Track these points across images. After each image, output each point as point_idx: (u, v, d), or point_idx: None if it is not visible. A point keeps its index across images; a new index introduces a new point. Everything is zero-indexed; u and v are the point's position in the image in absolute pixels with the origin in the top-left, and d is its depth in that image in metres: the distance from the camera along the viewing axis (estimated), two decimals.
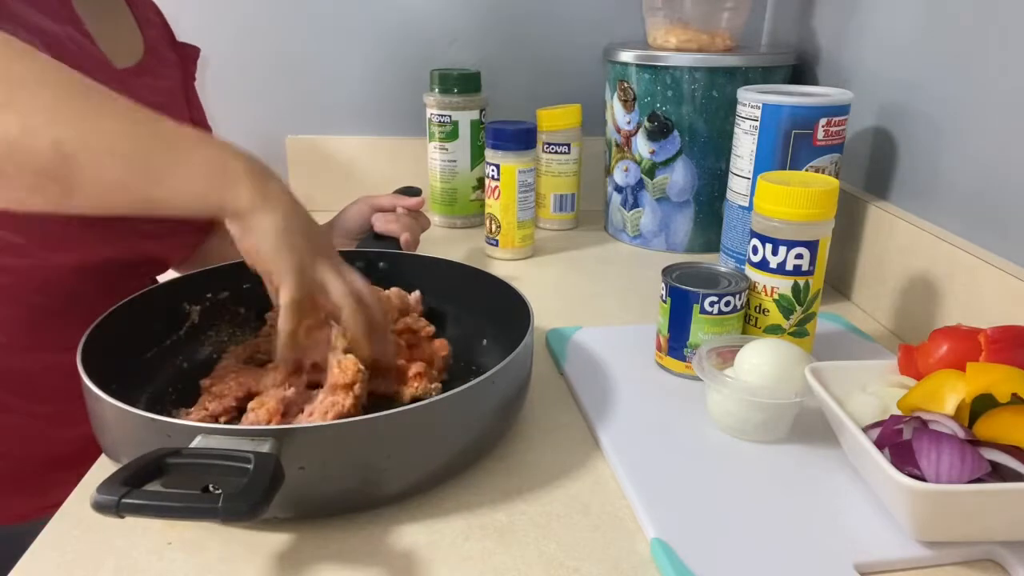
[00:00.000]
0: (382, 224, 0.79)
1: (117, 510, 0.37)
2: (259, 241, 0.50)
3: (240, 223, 0.50)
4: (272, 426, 0.42)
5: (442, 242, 0.83)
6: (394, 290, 0.66)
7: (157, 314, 0.62)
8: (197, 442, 0.42)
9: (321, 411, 0.51)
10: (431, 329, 0.64)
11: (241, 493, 0.38)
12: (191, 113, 0.80)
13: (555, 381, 0.64)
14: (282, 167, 1.13)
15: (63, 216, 0.50)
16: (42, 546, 0.45)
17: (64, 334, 0.57)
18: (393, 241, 0.78)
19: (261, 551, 0.45)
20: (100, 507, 0.37)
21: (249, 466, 0.39)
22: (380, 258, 0.71)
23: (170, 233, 0.73)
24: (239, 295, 0.67)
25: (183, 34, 1.09)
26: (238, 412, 0.55)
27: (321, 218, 0.84)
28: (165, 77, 0.75)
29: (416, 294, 0.67)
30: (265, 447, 0.41)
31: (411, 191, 0.86)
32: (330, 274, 0.52)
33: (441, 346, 0.63)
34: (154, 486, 0.40)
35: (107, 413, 0.46)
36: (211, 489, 0.40)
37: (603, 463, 0.53)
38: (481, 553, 0.45)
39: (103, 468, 0.51)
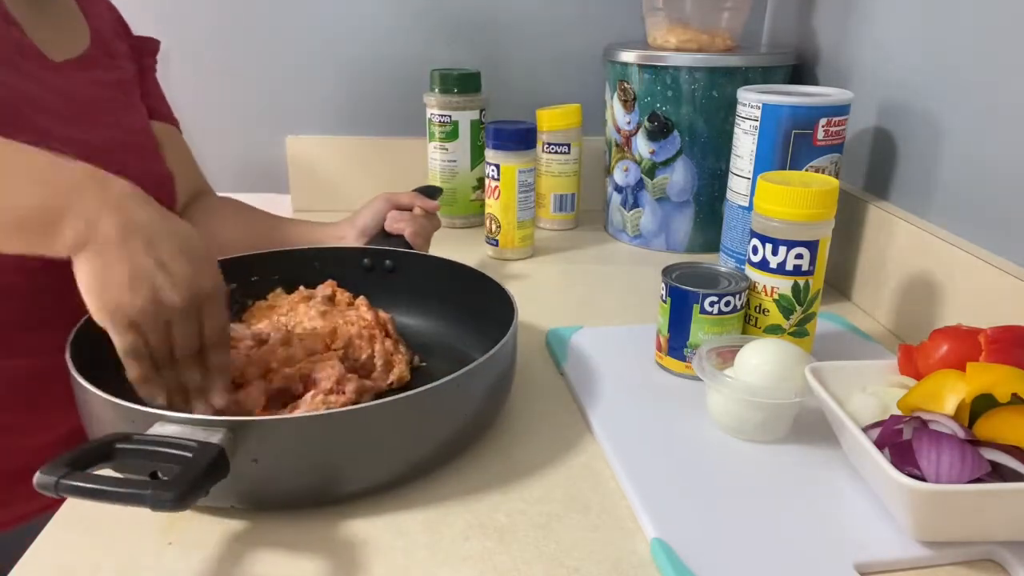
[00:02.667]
0: (391, 222, 0.79)
1: (55, 489, 0.38)
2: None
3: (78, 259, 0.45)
4: (226, 418, 0.43)
5: (442, 242, 0.83)
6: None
7: None
8: (154, 429, 0.42)
9: (308, 408, 0.52)
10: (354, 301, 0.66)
11: (171, 482, 0.38)
12: (150, 102, 0.80)
13: (555, 381, 0.64)
14: (282, 167, 1.13)
15: None
16: (42, 546, 0.45)
17: (15, 340, 0.55)
18: (402, 239, 0.77)
19: (262, 550, 0.45)
20: (40, 486, 0.38)
21: (190, 455, 0.40)
22: (386, 256, 0.72)
23: None
24: (247, 287, 0.67)
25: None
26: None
27: (329, 217, 0.85)
28: (114, 69, 0.75)
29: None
30: (216, 438, 0.42)
31: (431, 191, 0.86)
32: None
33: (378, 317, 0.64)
34: (107, 470, 0.41)
35: (82, 395, 0.47)
36: (159, 476, 0.41)
37: (603, 463, 0.53)
38: (481, 553, 0.45)
39: None
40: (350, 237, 0.79)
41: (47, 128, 0.63)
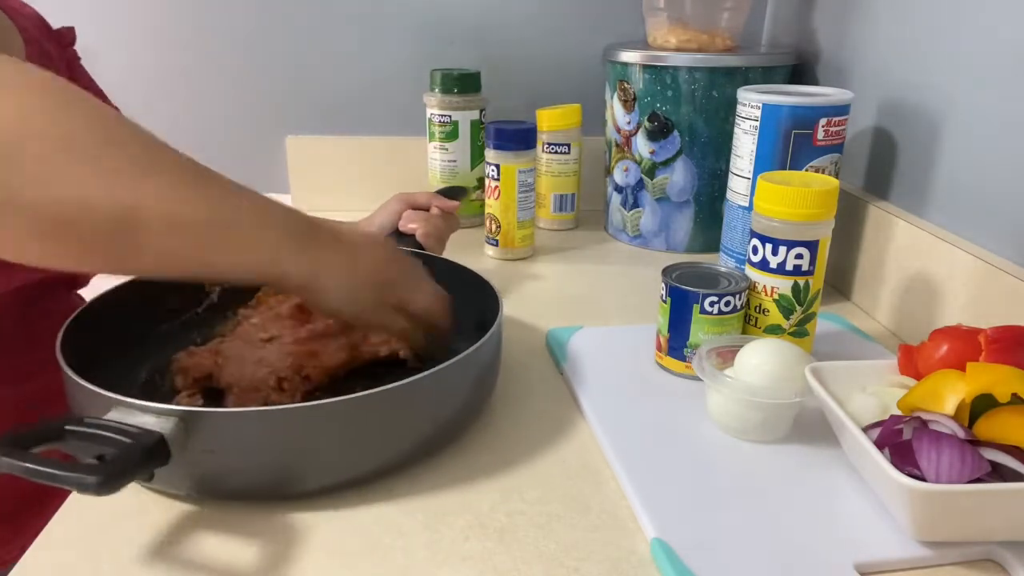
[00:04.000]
0: (405, 222, 0.78)
1: None
2: (327, 307, 0.53)
3: (303, 294, 0.53)
4: (179, 407, 0.43)
5: None
6: None
7: (175, 290, 0.63)
8: (110, 414, 0.43)
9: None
10: None
11: (98, 466, 0.39)
12: None
13: (555, 381, 0.64)
14: (282, 167, 1.13)
15: None
16: (42, 546, 0.45)
17: None
18: (414, 239, 0.77)
19: (261, 548, 0.45)
20: None
21: (129, 441, 0.41)
22: None
23: None
24: (257, 286, 0.67)
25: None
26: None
27: (329, 217, 0.84)
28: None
29: None
30: (162, 426, 0.42)
31: (454, 191, 0.85)
32: (387, 317, 0.55)
33: None
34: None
35: (65, 378, 0.48)
36: (105, 459, 0.42)
37: (603, 463, 0.53)
38: (481, 553, 0.45)
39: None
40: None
41: None
